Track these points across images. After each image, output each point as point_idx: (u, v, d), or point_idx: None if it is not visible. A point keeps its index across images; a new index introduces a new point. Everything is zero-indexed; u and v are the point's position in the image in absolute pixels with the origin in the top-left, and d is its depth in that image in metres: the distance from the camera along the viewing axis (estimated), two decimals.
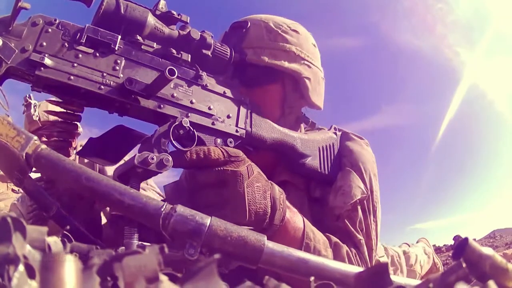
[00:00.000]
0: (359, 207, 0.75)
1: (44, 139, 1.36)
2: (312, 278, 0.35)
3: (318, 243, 0.64)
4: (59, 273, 0.23)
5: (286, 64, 0.76)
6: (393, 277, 0.29)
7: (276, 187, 0.60)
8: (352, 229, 0.73)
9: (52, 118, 1.50)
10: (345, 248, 0.69)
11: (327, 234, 0.69)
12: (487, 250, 0.30)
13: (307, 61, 0.80)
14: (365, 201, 0.76)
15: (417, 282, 0.31)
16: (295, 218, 0.63)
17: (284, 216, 0.59)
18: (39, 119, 1.55)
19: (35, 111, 1.52)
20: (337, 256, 0.67)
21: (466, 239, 0.29)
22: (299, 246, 0.61)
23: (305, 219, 0.65)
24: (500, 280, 0.30)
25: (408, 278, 0.36)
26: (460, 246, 0.29)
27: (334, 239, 0.69)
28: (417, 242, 1.93)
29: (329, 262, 0.44)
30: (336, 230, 0.72)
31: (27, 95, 1.55)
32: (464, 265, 0.28)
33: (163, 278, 0.27)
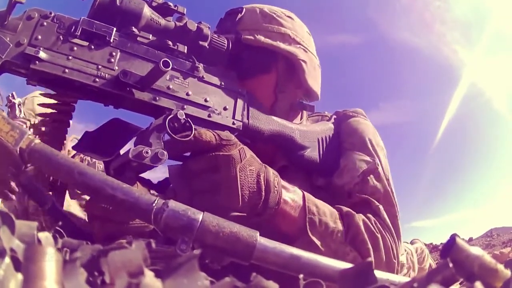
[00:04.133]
0: (369, 178, 0.72)
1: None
2: (301, 276, 0.35)
3: (324, 215, 0.62)
4: (40, 265, 0.24)
5: (281, 45, 0.75)
6: (378, 274, 0.29)
7: (270, 170, 0.59)
8: (367, 197, 0.70)
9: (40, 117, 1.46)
10: (360, 216, 0.66)
11: (338, 206, 0.67)
12: (475, 250, 0.29)
13: (302, 45, 0.79)
14: (375, 170, 0.73)
15: (402, 279, 0.30)
16: (293, 197, 0.61)
17: (279, 199, 0.58)
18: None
19: (20, 112, 1.45)
20: (350, 225, 0.64)
21: (453, 238, 0.28)
22: (303, 223, 0.60)
23: (305, 193, 0.63)
24: (489, 280, 0.29)
25: (393, 275, 0.36)
26: (448, 245, 0.29)
27: (346, 209, 0.66)
28: (411, 243, 1.89)
29: (322, 259, 0.44)
30: (351, 207, 0.69)
31: (10, 95, 1.44)
32: (451, 265, 0.27)
33: (148, 273, 0.27)
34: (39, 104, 0.74)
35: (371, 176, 0.73)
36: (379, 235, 0.65)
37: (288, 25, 0.79)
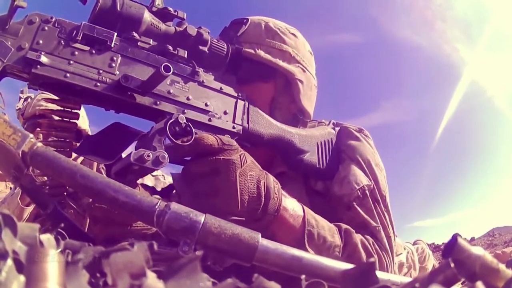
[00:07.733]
0: (368, 194, 0.74)
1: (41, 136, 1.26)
2: (303, 276, 0.35)
3: (323, 229, 0.63)
4: (42, 267, 0.24)
5: (280, 62, 0.77)
6: (379, 274, 0.29)
7: (271, 177, 0.60)
8: (366, 217, 0.72)
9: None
10: (358, 235, 0.67)
11: (337, 223, 0.68)
12: (477, 250, 0.29)
13: (301, 65, 0.80)
14: (372, 191, 0.75)
15: (404, 279, 0.30)
16: (293, 206, 0.62)
17: (279, 206, 0.59)
18: (23, 114, 1.41)
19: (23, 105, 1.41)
20: (348, 242, 0.65)
21: (455, 238, 0.29)
22: (301, 234, 0.60)
23: (305, 207, 0.64)
24: (490, 280, 0.29)
25: (395, 275, 0.36)
26: (450, 245, 0.29)
27: (344, 226, 0.67)
28: (413, 243, 1.89)
29: (323, 260, 0.44)
30: (350, 220, 0.71)
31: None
32: (452, 264, 0.27)
33: (151, 274, 0.27)
34: (45, 99, 0.73)
35: (369, 195, 0.74)
36: (376, 256, 0.67)
37: (290, 42, 0.80)
